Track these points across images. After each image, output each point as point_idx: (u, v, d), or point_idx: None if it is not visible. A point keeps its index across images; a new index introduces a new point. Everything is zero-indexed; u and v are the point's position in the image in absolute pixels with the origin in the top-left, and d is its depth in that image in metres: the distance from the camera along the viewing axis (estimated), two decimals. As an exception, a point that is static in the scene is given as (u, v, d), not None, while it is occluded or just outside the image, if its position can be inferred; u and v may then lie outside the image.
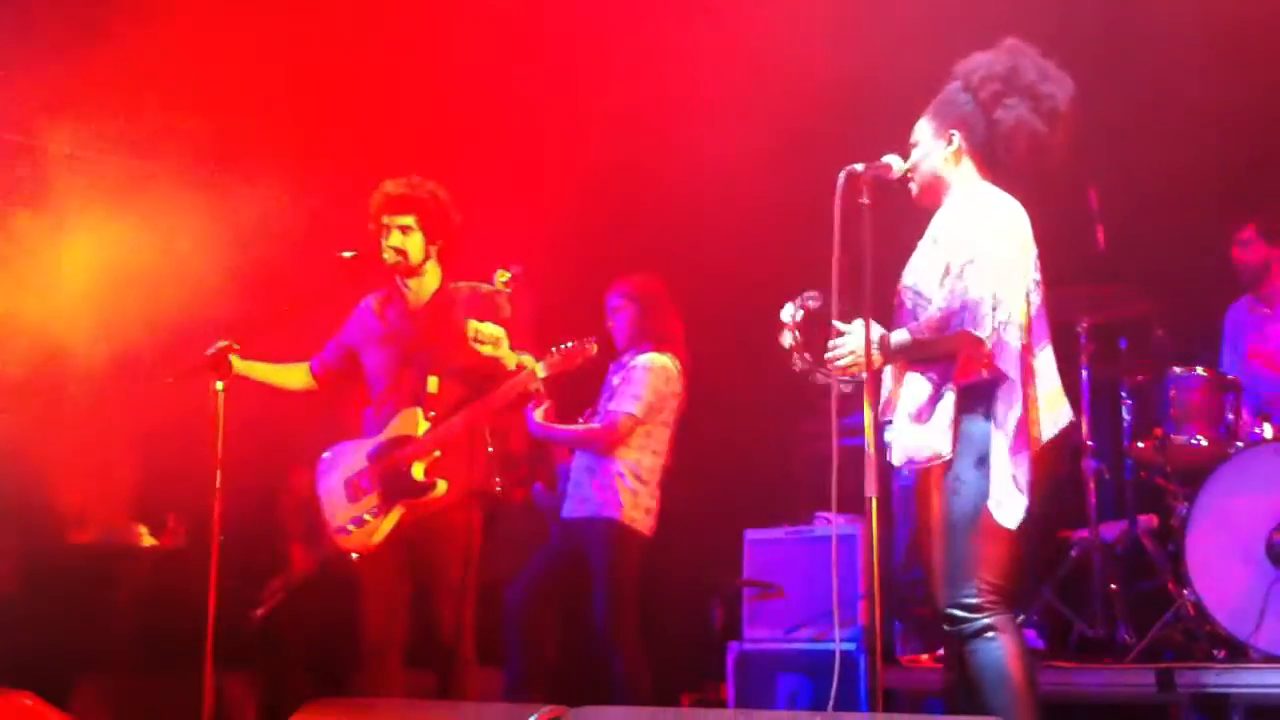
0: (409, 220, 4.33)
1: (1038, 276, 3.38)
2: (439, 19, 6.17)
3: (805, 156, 6.29)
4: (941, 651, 5.27)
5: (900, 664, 5.02)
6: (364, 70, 6.25)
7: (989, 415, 3.24)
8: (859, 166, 3.41)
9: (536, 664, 4.90)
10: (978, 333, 3.20)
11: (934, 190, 3.49)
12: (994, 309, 3.20)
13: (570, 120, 6.33)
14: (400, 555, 4.25)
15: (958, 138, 3.43)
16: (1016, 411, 3.22)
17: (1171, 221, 5.47)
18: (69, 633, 5.75)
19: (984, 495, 3.22)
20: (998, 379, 3.24)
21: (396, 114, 6.40)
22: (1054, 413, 3.36)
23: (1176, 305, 5.26)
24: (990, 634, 3.20)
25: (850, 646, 5.03)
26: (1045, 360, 3.37)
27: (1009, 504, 3.20)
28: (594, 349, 4.21)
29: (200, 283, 6.88)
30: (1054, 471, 3.47)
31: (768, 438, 6.56)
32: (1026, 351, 3.30)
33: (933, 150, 3.46)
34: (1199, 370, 4.92)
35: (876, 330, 3.31)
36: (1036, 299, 3.36)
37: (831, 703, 3.58)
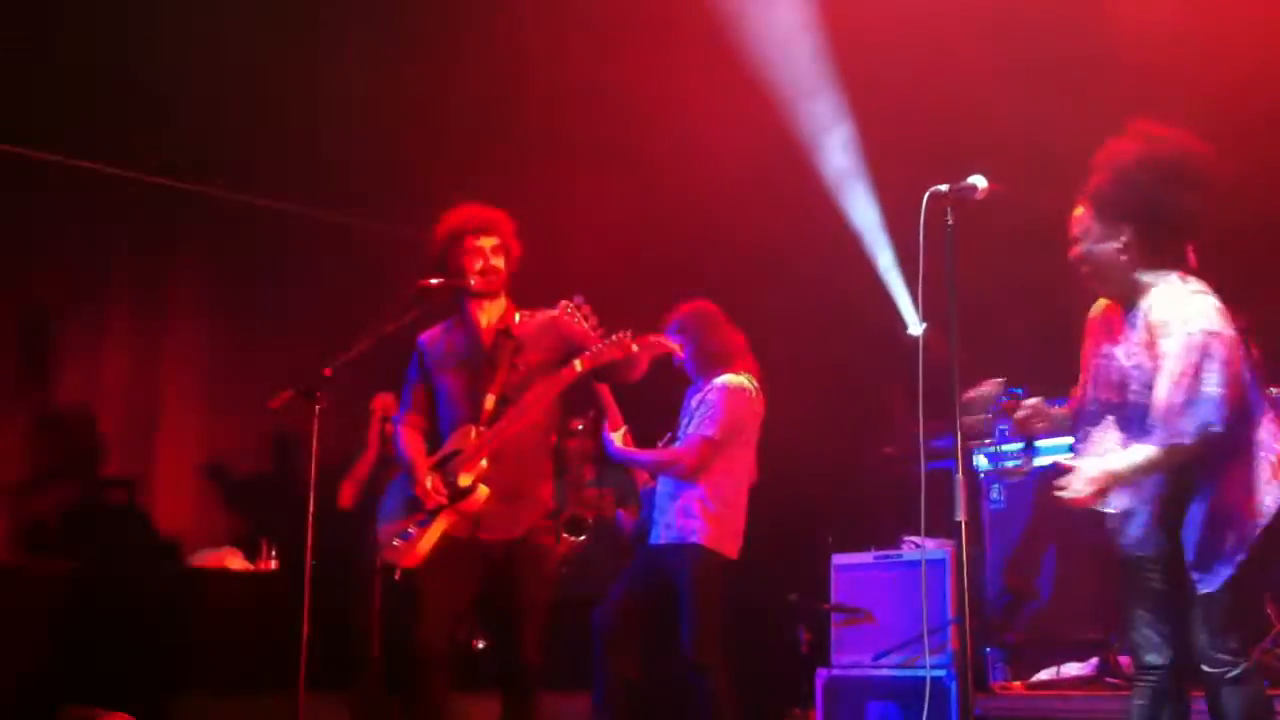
0: (495, 241, 4.37)
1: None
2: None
3: (884, 177, 6.31)
4: (1038, 677, 5.21)
5: (993, 691, 4.95)
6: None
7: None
8: (943, 187, 3.39)
9: (624, 688, 4.89)
10: (1215, 424, 3.21)
11: (1109, 282, 3.49)
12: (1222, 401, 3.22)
13: (634, 149, 6.28)
14: (461, 570, 4.21)
15: (1129, 232, 3.41)
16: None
17: (1264, 237, 5.37)
18: (165, 655, 5.88)
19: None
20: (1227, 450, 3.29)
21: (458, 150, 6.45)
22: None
23: (1272, 323, 5.14)
24: (1248, 680, 3.27)
25: (941, 673, 4.98)
26: (1266, 431, 3.38)
27: None
28: (630, 343, 4.19)
29: (293, 312, 7.05)
30: None
31: (851, 461, 6.52)
32: (1249, 422, 3.34)
33: (1103, 243, 3.45)
34: (1295, 389, 4.80)
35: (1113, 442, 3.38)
36: (1247, 376, 3.37)
37: (922, 729, 3.55)
